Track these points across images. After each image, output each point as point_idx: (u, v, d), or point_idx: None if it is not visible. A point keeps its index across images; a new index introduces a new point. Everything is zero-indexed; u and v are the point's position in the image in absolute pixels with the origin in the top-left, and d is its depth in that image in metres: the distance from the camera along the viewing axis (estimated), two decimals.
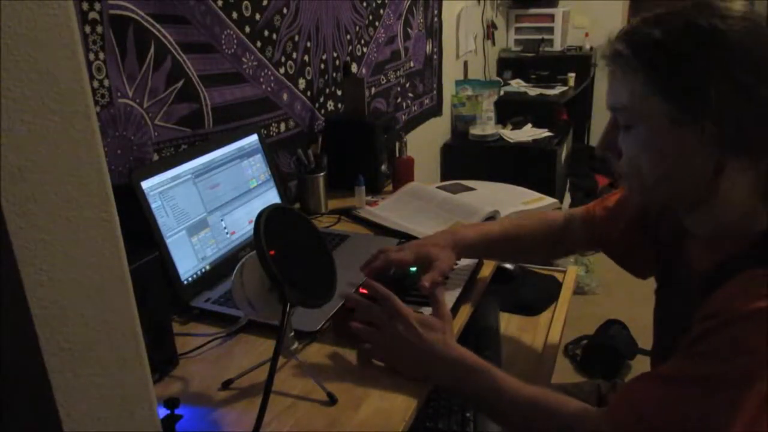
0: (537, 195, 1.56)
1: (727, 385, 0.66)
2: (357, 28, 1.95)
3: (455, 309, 1.05)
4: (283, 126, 1.61)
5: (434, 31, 2.70)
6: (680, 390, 0.70)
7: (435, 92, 2.83)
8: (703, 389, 0.68)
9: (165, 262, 1.04)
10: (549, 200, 1.52)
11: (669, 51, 0.73)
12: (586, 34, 4.15)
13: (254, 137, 1.37)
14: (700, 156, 0.74)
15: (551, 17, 3.94)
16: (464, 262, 1.20)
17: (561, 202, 1.55)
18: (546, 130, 3.09)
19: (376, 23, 2.09)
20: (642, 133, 0.77)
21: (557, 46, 3.96)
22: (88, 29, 1.02)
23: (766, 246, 0.72)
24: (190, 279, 1.10)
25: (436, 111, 2.88)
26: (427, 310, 0.97)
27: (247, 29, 1.43)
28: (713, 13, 0.72)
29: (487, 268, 1.22)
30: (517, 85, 3.71)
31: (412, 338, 0.87)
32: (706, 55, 0.71)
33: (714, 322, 0.69)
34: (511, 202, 1.49)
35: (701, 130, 0.72)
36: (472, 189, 1.61)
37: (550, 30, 3.95)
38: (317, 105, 1.75)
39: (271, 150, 1.49)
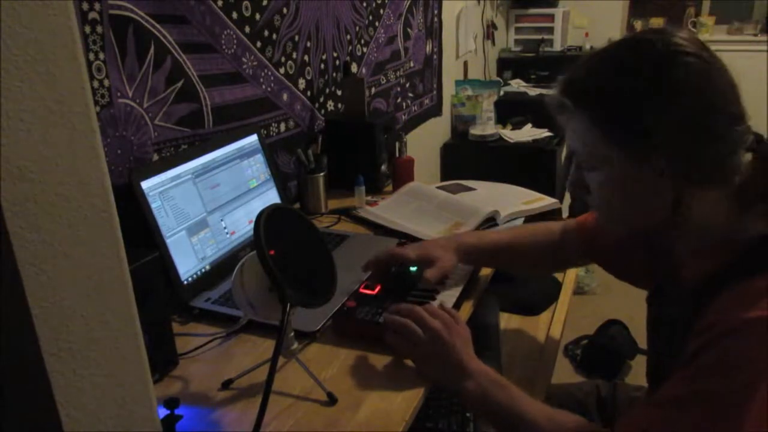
0: (537, 195, 1.56)
1: (729, 399, 0.66)
2: (357, 28, 1.95)
3: (456, 307, 1.05)
4: (283, 126, 1.61)
5: (434, 31, 2.70)
6: (685, 410, 0.69)
7: (435, 92, 2.83)
8: (707, 406, 0.67)
9: (165, 262, 1.04)
10: (549, 200, 1.51)
11: (607, 98, 0.74)
12: (586, 34, 4.15)
13: (254, 137, 1.37)
14: (658, 189, 0.75)
15: (551, 17, 3.94)
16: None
17: (561, 202, 1.54)
18: (546, 130, 3.08)
19: (376, 23, 2.09)
20: (601, 173, 0.79)
21: (557, 46, 3.96)
22: (88, 29, 1.02)
23: (754, 255, 0.72)
24: (190, 279, 1.10)
25: (436, 111, 2.88)
26: None
27: (247, 29, 1.43)
28: (651, 53, 0.72)
29: (487, 268, 1.22)
30: (517, 85, 3.71)
31: (452, 348, 0.87)
32: (645, 99, 0.71)
33: (709, 336, 0.69)
34: (511, 202, 1.49)
35: (653, 168, 0.73)
36: (472, 189, 1.61)
37: (550, 30, 3.95)
38: (317, 105, 1.75)
39: (271, 150, 1.49)
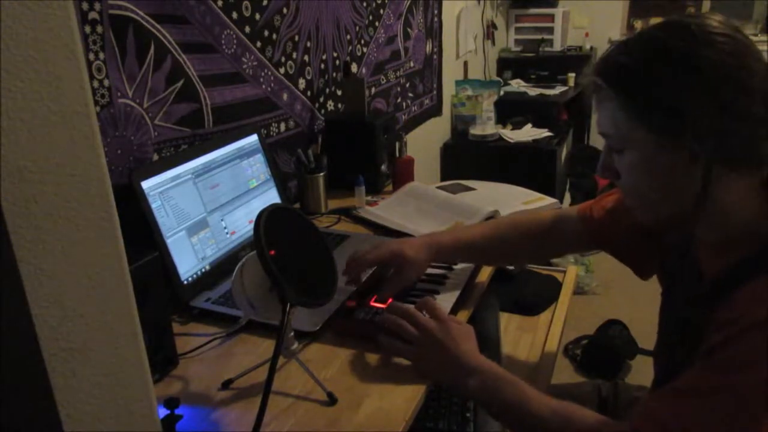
0: (537, 195, 1.56)
1: (751, 394, 0.66)
2: (357, 28, 1.95)
3: (453, 312, 1.05)
4: (283, 126, 1.61)
5: (434, 31, 2.70)
6: (705, 401, 0.69)
7: (435, 92, 2.83)
8: (728, 399, 0.67)
9: (165, 262, 1.04)
10: (549, 200, 1.51)
11: (639, 78, 0.74)
12: (586, 34, 4.15)
13: (254, 137, 1.37)
14: (689, 172, 0.74)
15: (551, 17, 3.94)
16: (462, 264, 1.19)
17: (561, 202, 1.55)
18: (546, 130, 3.08)
19: (376, 23, 2.09)
20: (632, 156, 0.78)
21: (557, 46, 3.96)
22: (88, 29, 1.02)
23: None
24: (190, 279, 1.10)
25: (436, 111, 2.88)
26: None
27: (247, 29, 1.43)
28: (684, 34, 0.72)
29: (486, 271, 1.22)
30: (517, 85, 3.71)
31: (448, 346, 0.87)
32: (677, 79, 0.71)
33: (733, 330, 0.68)
34: (511, 202, 1.49)
35: (684, 150, 0.72)
36: (472, 189, 1.61)
37: (550, 30, 3.95)
38: (317, 105, 1.75)
39: (271, 150, 1.49)
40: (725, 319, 0.70)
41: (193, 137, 1.30)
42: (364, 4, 1.98)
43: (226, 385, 0.86)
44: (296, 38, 1.62)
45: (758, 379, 0.65)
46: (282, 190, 1.43)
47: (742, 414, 0.66)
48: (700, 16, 0.73)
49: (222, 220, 1.22)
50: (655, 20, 4.53)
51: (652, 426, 0.72)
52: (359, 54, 1.99)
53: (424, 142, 2.78)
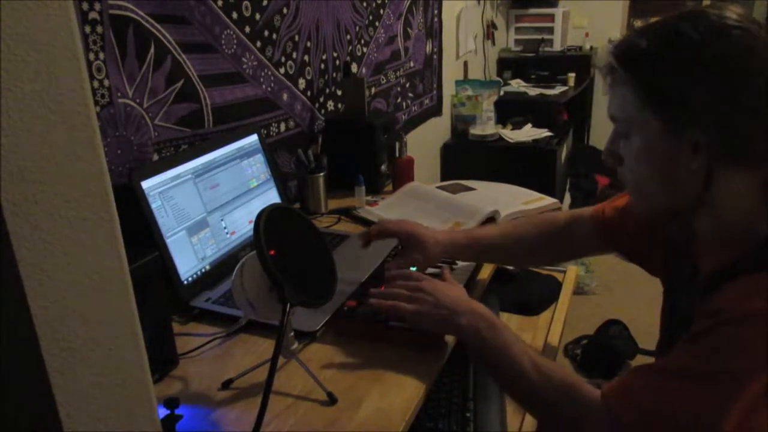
0: (537, 195, 1.56)
1: (722, 384, 0.67)
2: (357, 28, 1.95)
3: None
4: (283, 126, 1.61)
5: (434, 31, 2.70)
6: (676, 382, 0.71)
7: (435, 92, 2.83)
8: (699, 386, 0.69)
9: (165, 262, 1.04)
10: (549, 200, 1.51)
11: (652, 63, 0.74)
12: (586, 34, 4.15)
13: (254, 137, 1.37)
14: (690, 163, 0.74)
15: (551, 17, 3.94)
16: (463, 263, 1.20)
17: (561, 202, 1.54)
18: (546, 130, 3.08)
19: (376, 23, 2.09)
20: (637, 141, 0.78)
21: (557, 46, 3.95)
22: (88, 29, 1.02)
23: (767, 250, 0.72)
24: (190, 279, 1.10)
25: (436, 111, 2.88)
26: None
27: (247, 29, 1.43)
28: (701, 23, 0.72)
29: (487, 270, 1.22)
30: (517, 85, 3.71)
31: (438, 293, 0.90)
32: (685, 67, 0.71)
33: (713, 321, 0.70)
34: (511, 202, 1.49)
35: (688, 139, 0.73)
36: (472, 189, 1.61)
37: (550, 30, 3.95)
38: (317, 105, 1.75)
39: (271, 150, 1.49)
40: (708, 311, 0.71)
41: (193, 137, 1.30)
42: (364, 4, 1.98)
43: (226, 385, 0.87)
44: (296, 38, 1.62)
45: (730, 371, 0.67)
46: (282, 190, 1.43)
47: (709, 401, 0.67)
48: (721, 7, 0.73)
49: (222, 220, 1.22)
50: (654, 20, 4.53)
51: (621, 395, 0.74)
52: (359, 54, 1.99)
53: (424, 142, 2.77)
